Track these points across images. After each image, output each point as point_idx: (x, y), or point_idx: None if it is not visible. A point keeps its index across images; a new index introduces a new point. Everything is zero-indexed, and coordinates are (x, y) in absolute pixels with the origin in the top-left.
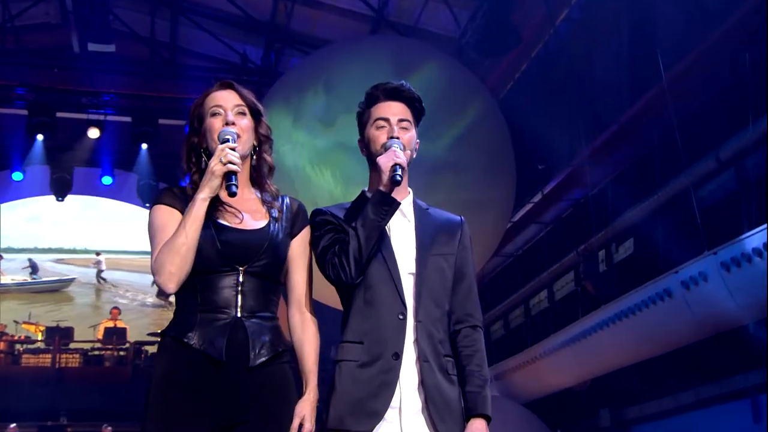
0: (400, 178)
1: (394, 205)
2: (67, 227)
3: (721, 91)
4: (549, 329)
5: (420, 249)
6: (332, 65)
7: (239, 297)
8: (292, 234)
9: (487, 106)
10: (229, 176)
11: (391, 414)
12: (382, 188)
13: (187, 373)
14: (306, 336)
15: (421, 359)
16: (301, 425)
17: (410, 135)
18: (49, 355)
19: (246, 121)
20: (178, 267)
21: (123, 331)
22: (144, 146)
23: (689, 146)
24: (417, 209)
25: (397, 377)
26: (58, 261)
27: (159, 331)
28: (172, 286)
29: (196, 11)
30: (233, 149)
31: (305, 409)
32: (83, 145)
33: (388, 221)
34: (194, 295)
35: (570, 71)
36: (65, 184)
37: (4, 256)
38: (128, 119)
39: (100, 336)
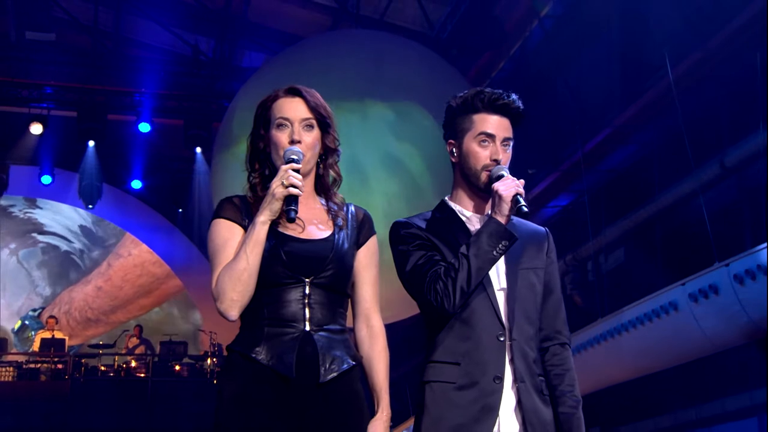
0: (527, 209)
1: (513, 239)
2: None
3: (725, 95)
4: None
5: (509, 263)
6: (310, 62)
7: (307, 310)
8: (358, 243)
9: None
10: (289, 200)
11: None
12: (500, 219)
13: (255, 391)
14: (375, 351)
15: (518, 380)
16: None
17: (509, 155)
18: None
19: (312, 137)
20: (240, 294)
21: (61, 342)
22: (91, 143)
23: (685, 153)
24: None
25: (499, 401)
26: None
27: (101, 343)
28: (234, 314)
29: None
30: (297, 170)
31: (378, 429)
32: (24, 141)
33: (502, 255)
34: (260, 308)
35: (554, 70)
36: (1, 183)
37: None
38: (73, 114)
39: (36, 348)
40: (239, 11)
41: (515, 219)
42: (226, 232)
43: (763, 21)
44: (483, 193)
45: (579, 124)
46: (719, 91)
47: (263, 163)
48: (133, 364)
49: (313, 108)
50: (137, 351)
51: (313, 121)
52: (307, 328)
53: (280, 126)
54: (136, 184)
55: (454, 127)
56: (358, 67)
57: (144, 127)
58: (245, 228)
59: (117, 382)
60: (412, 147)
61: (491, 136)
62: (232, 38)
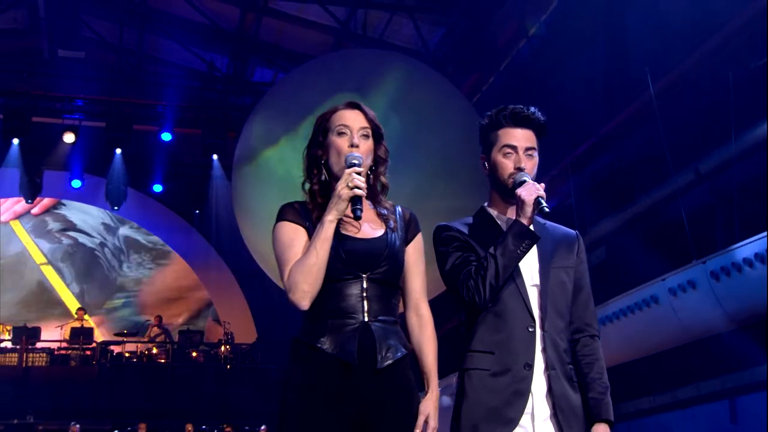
0: (548, 210)
1: (535, 239)
2: None
3: (700, 109)
4: None
5: (542, 262)
6: (320, 80)
7: (365, 303)
8: (406, 241)
9: (468, 117)
10: (355, 200)
11: (524, 420)
12: (523, 221)
13: (321, 377)
14: (424, 337)
15: (549, 368)
16: (425, 422)
17: (534, 162)
18: (16, 355)
19: (367, 145)
20: (311, 285)
21: (90, 331)
22: (118, 151)
23: (664, 160)
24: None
25: (529, 386)
26: None
27: (125, 331)
28: (306, 303)
29: (164, 20)
30: (359, 173)
31: (429, 407)
32: (57, 149)
33: (526, 253)
34: (322, 302)
35: (541, 83)
36: (35, 187)
37: None
38: (102, 124)
39: (66, 336)
40: (251, 32)
41: (548, 223)
42: (291, 233)
43: (732, 44)
44: (512, 199)
45: (565, 134)
46: (694, 106)
47: (321, 170)
48: (155, 351)
49: (369, 119)
50: (158, 339)
51: (369, 131)
52: (366, 319)
53: (340, 133)
54: (158, 188)
55: (484, 143)
56: (364, 84)
57: (166, 136)
58: (306, 229)
59: (140, 367)
60: (414, 155)
61: (514, 147)
62: (244, 56)
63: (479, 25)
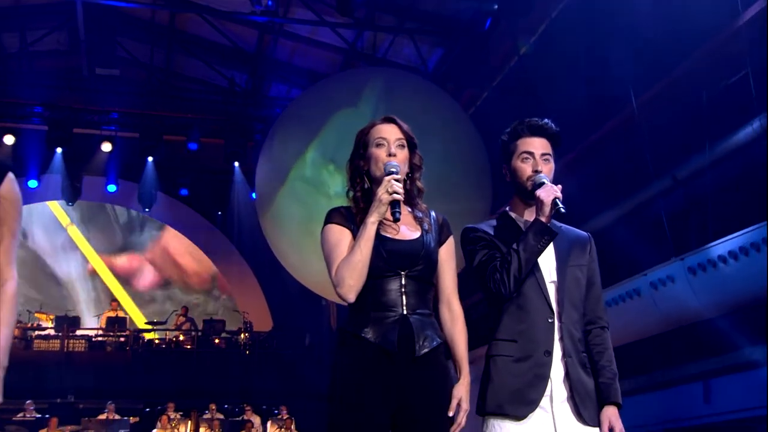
0: (564, 211)
1: (552, 235)
2: None
3: (677, 122)
4: None
5: (559, 261)
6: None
7: (403, 297)
8: (440, 242)
9: (466, 128)
10: (394, 204)
11: (544, 402)
12: (542, 219)
13: (364, 363)
14: (456, 330)
15: (566, 355)
16: (458, 405)
17: (551, 166)
18: (58, 341)
19: (403, 154)
20: (356, 280)
21: (123, 320)
22: (150, 159)
23: (645, 167)
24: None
25: (549, 371)
26: None
27: (155, 320)
28: (352, 297)
29: (189, 41)
30: (398, 180)
31: (461, 391)
32: (96, 157)
33: (546, 248)
34: (365, 296)
35: (531, 97)
36: (75, 190)
37: None
38: (135, 135)
39: (103, 324)
40: (268, 52)
41: (563, 226)
42: (338, 234)
43: (704, 66)
44: (531, 200)
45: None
46: (672, 119)
47: (363, 179)
48: (181, 338)
49: (404, 131)
50: (184, 327)
51: (404, 142)
52: (404, 312)
53: (379, 145)
54: (184, 192)
55: (505, 154)
56: (374, 98)
57: (192, 145)
58: (351, 230)
59: (168, 352)
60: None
61: (531, 153)
62: (262, 73)
63: (475, 46)
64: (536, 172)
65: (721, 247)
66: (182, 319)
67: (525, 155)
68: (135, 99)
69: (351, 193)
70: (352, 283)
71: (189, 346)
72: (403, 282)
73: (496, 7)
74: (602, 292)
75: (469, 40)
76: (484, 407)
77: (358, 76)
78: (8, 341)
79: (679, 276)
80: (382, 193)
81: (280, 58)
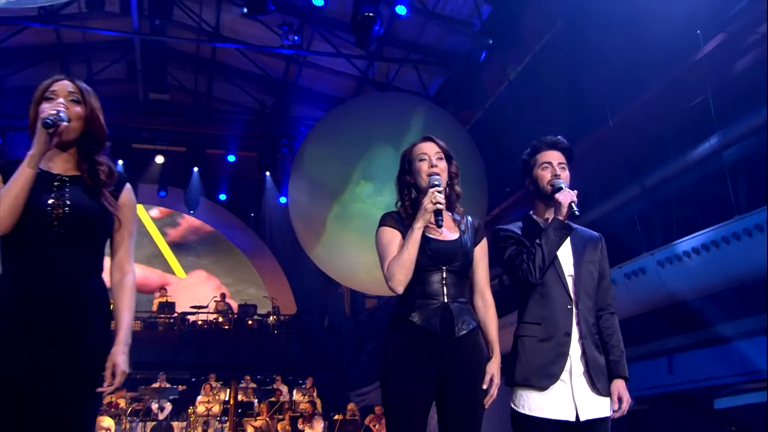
0: (578, 213)
1: (570, 230)
2: None
3: (645, 138)
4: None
5: (575, 257)
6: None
7: (444, 288)
8: (475, 243)
9: (466, 143)
10: (437, 213)
11: (563, 376)
12: (560, 218)
13: (411, 343)
14: (488, 316)
15: (582, 337)
16: (491, 380)
17: (566, 174)
18: None
19: (443, 165)
20: (404, 275)
21: (172, 305)
22: (195, 169)
23: (618, 177)
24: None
25: (568, 350)
26: None
27: (198, 305)
28: (401, 289)
29: (227, 71)
30: (440, 192)
31: (493, 368)
32: (150, 168)
33: (564, 242)
34: (413, 287)
35: (518, 118)
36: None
37: None
38: (183, 149)
39: (155, 309)
40: (293, 79)
41: (578, 227)
42: (390, 235)
43: (669, 91)
44: (551, 202)
45: None
46: (641, 136)
47: (410, 191)
48: (220, 319)
49: (441, 147)
50: (221, 310)
51: (442, 155)
52: (445, 300)
53: (421, 160)
54: (223, 197)
55: (526, 168)
56: (390, 119)
57: (230, 158)
58: (401, 232)
59: (209, 332)
60: None
61: (549, 162)
62: (287, 97)
63: (471, 73)
64: (555, 176)
65: (686, 243)
66: (221, 304)
67: (544, 165)
68: (182, 119)
69: (399, 203)
70: (401, 278)
71: (227, 327)
72: (444, 275)
73: (491, 41)
74: (611, 283)
75: (465, 69)
76: (513, 380)
77: (375, 100)
78: (131, 323)
79: (650, 268)
80: (427, 203)
81: (303, 85)
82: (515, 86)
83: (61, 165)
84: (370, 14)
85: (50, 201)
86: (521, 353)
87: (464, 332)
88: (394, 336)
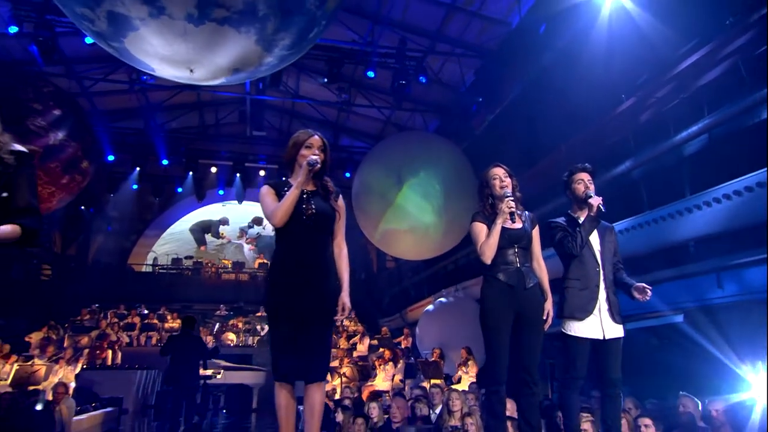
0: (604, 210)
1: (598, 222)
2: None
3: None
4: None
5: (600, 239)
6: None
7: (517, 258)
8: (532, 228)
9: (463, 164)
10: (511, 214)
11: (595, 312)
12: (592, 215)
13: (498, 292)
14: (542, 274)
15: (607, 287)
16: (547, 314)
17: (593, 187)
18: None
19: (508, 181)
20: (491, 252)
21: (243, 263)
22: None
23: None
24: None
25: (598, 295)
26: None
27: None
28: (489, 261)
29: (300, 116)
30: (511, 199)
31: (548, 306)
32: (255, 179)
33: (594, 230)
34: (497, 258)
35: (492, 148)
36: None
37: None
38: (276, 167)
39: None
40: (342, 121)
41: (602, 222)
42: (480, 227)
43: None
44: (584, 204)
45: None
46: (586, 158)
47: (488, 198)
48: None
49: (505, 169)
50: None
51: (508, 174)
52: (518, 265)
53: (494, 178)
54: None
55: (567, 186)
56: (424, 153)
57: None
58: (486, 224)
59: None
60: (438, 191)
61: (582, 179)
62: (337, 133)
63: (460, 117)
64: (587, 188)
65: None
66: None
67: (579, 180)
68: (275, 148)
69: (481, 206)
70: (489, 254)
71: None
72: (516, 250)
73: (480, 99)
74: (620, 256)
75: (457, 115)
76: (563, 313)
77: (407, 138)
78: (348, 278)
79: None
80: (503, 207)
81: (349, 125)
82: (493, 124)
83: (307, 184)
84: (403, 83)
85: (303, 206)
86: (567, 297)
87: (531, 285)
88: (487, 288)
